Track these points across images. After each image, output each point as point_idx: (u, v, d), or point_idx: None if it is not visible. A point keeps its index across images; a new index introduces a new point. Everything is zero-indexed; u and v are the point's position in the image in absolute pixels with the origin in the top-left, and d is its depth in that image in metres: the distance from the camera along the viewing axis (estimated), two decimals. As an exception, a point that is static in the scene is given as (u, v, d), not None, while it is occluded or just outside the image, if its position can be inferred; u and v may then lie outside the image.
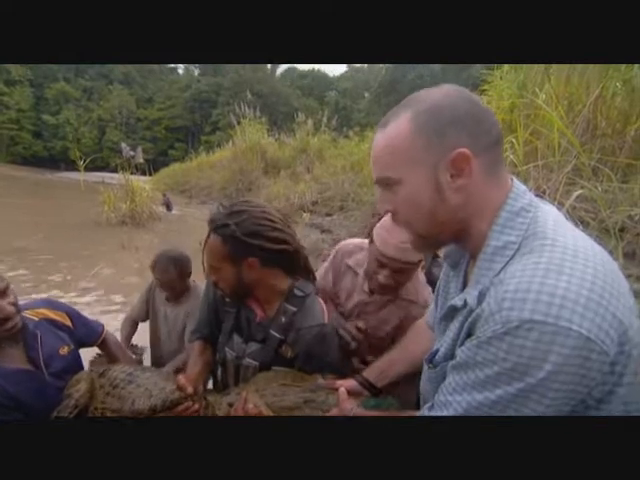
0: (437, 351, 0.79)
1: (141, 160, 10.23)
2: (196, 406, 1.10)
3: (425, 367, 0.85)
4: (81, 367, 1.36)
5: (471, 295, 0.68)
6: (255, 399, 1.09)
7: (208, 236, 1.09)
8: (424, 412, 0.75)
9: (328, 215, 7.14)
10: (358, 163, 8.21)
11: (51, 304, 1.38)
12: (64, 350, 1.29)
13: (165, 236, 7.74)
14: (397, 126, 0.67)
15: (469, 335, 0.67)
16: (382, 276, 1.29)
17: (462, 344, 0.69)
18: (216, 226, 1.07)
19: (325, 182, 8.65)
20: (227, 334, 1.22)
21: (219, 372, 1.27)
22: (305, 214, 7.25)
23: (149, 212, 10.12)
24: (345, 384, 1.10)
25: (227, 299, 1.23)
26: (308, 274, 1.23)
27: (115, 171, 10.84)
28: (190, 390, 1.09)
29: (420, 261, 1.31)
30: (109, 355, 1.52)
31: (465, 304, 0.70)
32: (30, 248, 5.69)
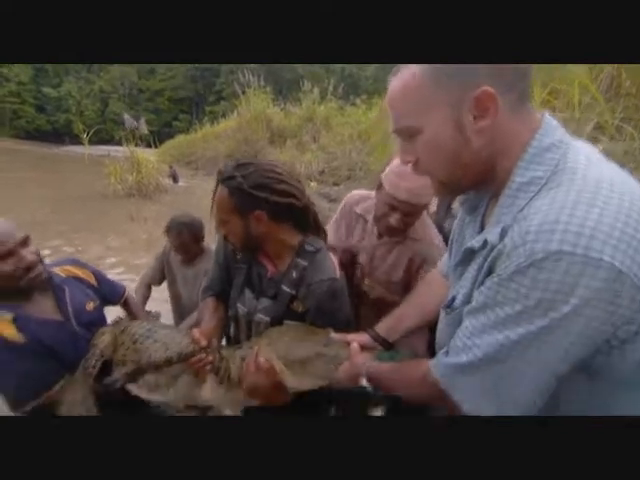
0: (455, 297, 0.77)
1: (145, 131, 10.13)
2: (210, 358, 1.11)
3: (442, 314, 0.83)
4: (106, 323, 1.41)
5: (492, 233, 0.64)
6: (267, 352, 1.09)
7: (216, 188, 1.08)
8: (439, 358, 0.72)
9: (335, 184, 7.07)
10: (365, 132, 8.05)
11: (77, 263, 1.43)
12: (90, 305, 1.34)
13: (172, 208, 7.73)
14: (410, 70, 0.64)
15: (489, 275, 0.64)
16: (393, 219, 1.31)
17: (480, 285, 0.66)
18: (223, 178, 1.07)
19: (332, 151, 8.52)
20: (238, 290, 1.22)
21: (231, 328, 1.27)
22: (312, 183, 7.18)
23: (155, 184, 10.11)
24: (357, 338, 1.09)
25: (238, 256, 1.22)
26: (318, 230, 1.21)
27: (120, 144, 10.78)
28: (204, 343, 1.10)
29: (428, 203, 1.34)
30: (131, 314, 1.58)
31: (484, 245, 0.67)
32: (38, 221, 5.73)
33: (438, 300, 1.05)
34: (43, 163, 14.84)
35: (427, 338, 1.39)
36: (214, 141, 16.09)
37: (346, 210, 1.57)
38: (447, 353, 0.71)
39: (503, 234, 0.62)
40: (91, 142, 10.34)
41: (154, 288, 2.30)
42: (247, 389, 1.07)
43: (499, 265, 0.61)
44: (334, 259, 1.20)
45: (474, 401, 0.65)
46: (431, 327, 1.24)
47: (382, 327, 1.14)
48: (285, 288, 1.13)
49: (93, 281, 1.42)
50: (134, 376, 1.12)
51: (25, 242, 1.15)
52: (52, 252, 4.37)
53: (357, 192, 1.64)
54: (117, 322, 1.34)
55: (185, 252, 2.13)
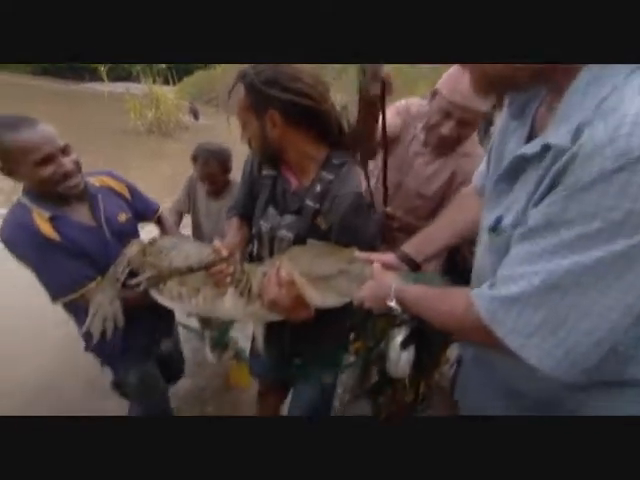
0: (501, 217, 0.67)
1: (162, 65, 9.78)
2: (230, 269, 1.10)
3: (485, 237, 0.74)
4: (138, 236, 1.45)
5: (558, 134, 0.53)
6: (289, 267, 1.07)
7: (232, 88, 1.05)
8: (483, 290, 0.63)
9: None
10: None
11: (113, 175, 1.45)
12: (122, 217, 1.37)
13: (194, 146, 7.62)
14: None
15: (552, 188, 0.54)
16: (446, 128, 1.25)
17: (540, 202, 0.55)
18: (239, 75, 1.03)
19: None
20: (262, 207, 1.19)
21: (254, 247, 1.25)
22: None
23: (175, 121, 9.95)
24: (382, 258, 1.05)
25: (263, 171, 1.18)
26: (345, 145, 1.13)
27: (137, 81, 10.49)
28: (225, 253, 1.09)
29: (486, 113, 1.26)
30: (164, 233, 1.61)
31: (544, 151, 0.56)
32: None
33: (471, 219, 0.98)
34: (62, 99, 14.69)
35: (442, 261, 1.37)
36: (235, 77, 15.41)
37: (401, 109, 1.51)
38: (493, 285, 0.62)
39: (578, 134, 0.50)
40: (110, 79, 10.09)
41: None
42: (268, 303, 1.07)
43: (570, 174, 0.50)
44: (360, 173, 1.13)
45: (524, 339, 0.56)
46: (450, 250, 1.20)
47: (410, 246, 1.08)
48: (309, 202, 1.08)
49: (127, 194, 1.45)
50: (156, 281, 1.14)
51: (66, 150, 1.18)
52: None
53: (410, 100, 1.58)
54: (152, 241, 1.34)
55: (211, 182, 2.09)
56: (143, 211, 1.53)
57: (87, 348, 1.41)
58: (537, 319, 0.54)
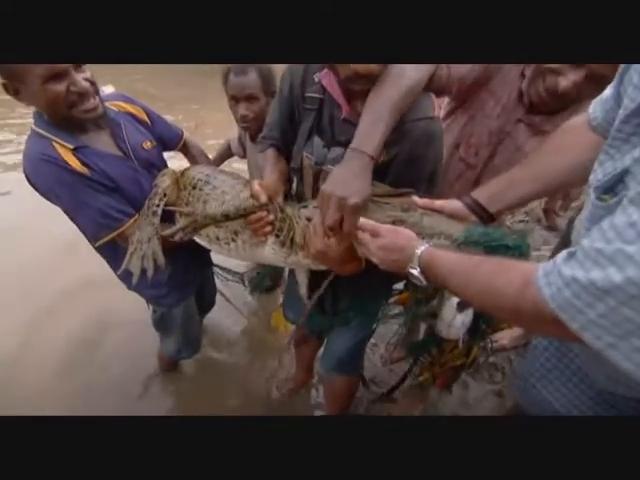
0: (623, 172, 0.49)
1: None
2: (271, 217, 1.00)
3: (591, 197, 0.55)
4: (166, 166, 1.35)
5: None
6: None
7: None
8: (557, 262, 0.50)
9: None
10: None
11: (127, 98, 1.32)
12: (147, 145, 1.27)
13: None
14: None
15: None
16: (566, 80, 0.89)
17: None
18: None
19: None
20: (305, 136, 1.02)
21: (295, 183, 1.11)
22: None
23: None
24: (447, 205, 0.88)
25: (307, 94, 1.00)
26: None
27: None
28: (264, 199, 0.97)
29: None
30: (192, 161, 1.49)
31: None
32: (135, 92, 5.76)
33: (573, 163, 0.75)
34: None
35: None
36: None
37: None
38: (572, 255, 0.47)
39: None
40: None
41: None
42: (315, 254, 0.97)
43: None
44: (433, 97, 0.94)
45: (612, 337, 0.44)
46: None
47: (483, 192, 0.88)
48: None
49: (145, 118, 1.32)
50: (190, 230, 1.06)
51: (79, 66, 1.05)
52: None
53: None
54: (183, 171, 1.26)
55: (246, 119, 1.50)
56: (167, 138, 1.39)
57: (129, 287, 1.38)
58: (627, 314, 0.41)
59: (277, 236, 1.03)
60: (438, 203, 0.89)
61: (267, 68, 1.47)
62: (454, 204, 0.90)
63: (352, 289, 1.16)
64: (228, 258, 1.22)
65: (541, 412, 0.78)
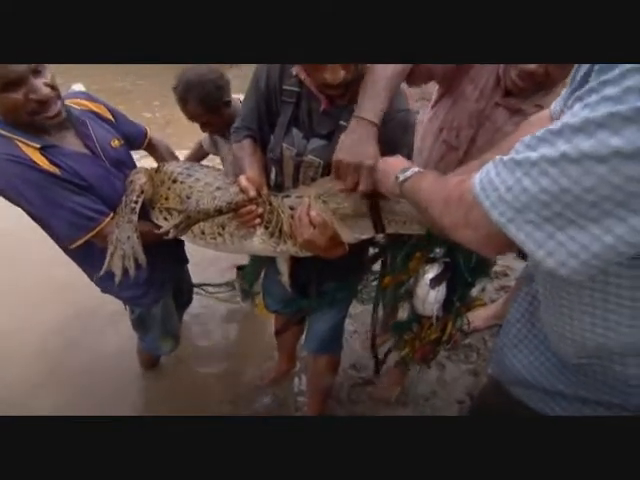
0: None
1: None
2: (260, 210, 1.02)
3: None
4: (135, 166, 1.30)
5: None
6: (318, 206, 1.00)
7: None
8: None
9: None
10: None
11: (89, 96, 1.27)
12: (115, 143, 1.23)
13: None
14: None
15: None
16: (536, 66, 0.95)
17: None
18: None
19: None
20: (284, 128, 1.05)
21: (272, 173, 1.13)
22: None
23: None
24: None
25: (285, 87, 1.03)
26: None
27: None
28: (253, 193, 1.00)
29: None
30: (159, 159, 1.43)
31: None
32: (120, 91, 5.55)
33: None
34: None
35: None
36: None
37: None
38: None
39: None
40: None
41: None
42: (303, 243, 1.02)
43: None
44: (405, 89, 1.00)
45: (514, 213, 0.47)
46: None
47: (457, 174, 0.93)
48: (345, 124, 0.95)
49: (110, 117, 1.27)
50: (185, 227, 1.04)
51: (38, 70, 0.98)
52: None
53: None
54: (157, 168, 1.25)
55: (205, 124, 1.49)
56: (132, 136, 1.33)
57: (104, 290, 1.35)
58: (535, 191, 0.44)
59: (266, 227, 1.06)
60: None
61: (211, 84, 1.37)
62: None
63: (337, 272, 1.21)
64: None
65: (511, 380, 0.83)
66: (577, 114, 0.42)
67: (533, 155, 0.44)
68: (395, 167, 0.83)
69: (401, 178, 0.78)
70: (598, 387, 0.68)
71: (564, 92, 0.74)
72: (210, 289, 1.88)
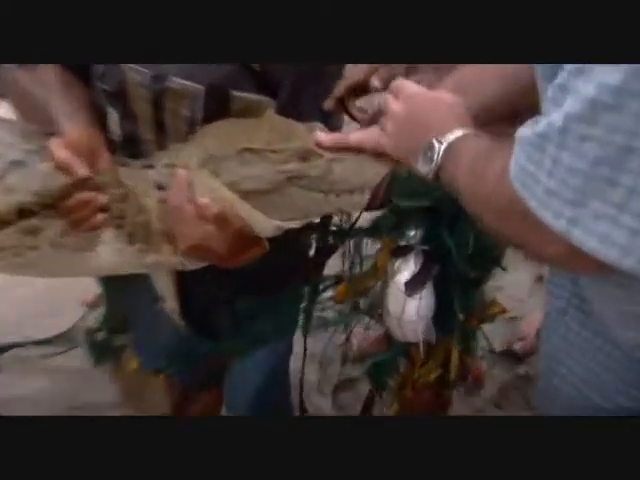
0: None
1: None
2: (102, 197, 0.60)
3: None
4: None
5: None
6: (206, 180, 0.62)
7: None
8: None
9: None
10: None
11: None
12: None
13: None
14: None
15: None
16: None
17: None
18: None
19: None
20: None
21: (113, 122, 0.68)
22: None
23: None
24: (369, 137, 0.57)
25: None
26: None
27: None
28: (82, 170, 0.57)
29: None
30: None
31: None
32: None
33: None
34: None
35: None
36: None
37: None
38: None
39: None
40: None
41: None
42: (189, 248, 0.62)
43: None
44: None
45: (567, 212, 0.32)
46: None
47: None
48: None
49: None
50: None
51: None
52: None
53: None
54: None
55: None
56: None
57: None
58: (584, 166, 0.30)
59: (119, 226, 0.65)
60: (354, 137, 0.60)
61: None
62: (374, 132, 0.58)
63: (257, 286, 0.76)
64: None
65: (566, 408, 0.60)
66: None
67: (556, 118, 0.32)
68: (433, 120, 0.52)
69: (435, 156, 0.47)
70: None
71: None
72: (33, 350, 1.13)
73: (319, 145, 0.61)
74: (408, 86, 0.53)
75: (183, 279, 0.76)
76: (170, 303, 0.78)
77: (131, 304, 0.88)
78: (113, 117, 0.68)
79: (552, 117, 0.32)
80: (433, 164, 0.46)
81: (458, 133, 0.46)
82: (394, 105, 0.52)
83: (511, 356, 1.22)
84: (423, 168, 0.48)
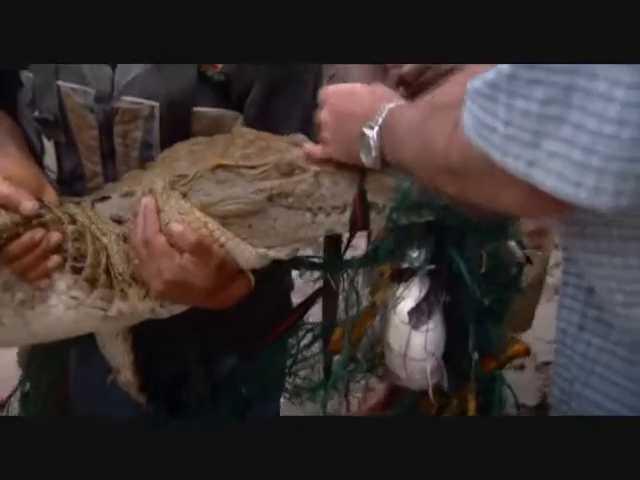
0: None
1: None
2: (55, 236, 0.53)
3: None
4: None
5: None
6: (176, 205, 0.56)
7: None
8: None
9: None
10: None
11: None
12: None
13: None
14: None
15: None
16: None
17: None
18: None
19: None
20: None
21: (49, 155, 0.61)
22: None
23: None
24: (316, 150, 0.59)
25: None
26: None
27: None
28: (30, 206, 0.51)
29: None
30: None
31: None
32: None
33: None
34: None
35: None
36: None
37: None
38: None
39: None
40: None
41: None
42: (161, 291, 0.54)
43: None
44: None
45: (526, 154, 0.33)
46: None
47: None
48: None
49: None
50: None
51: None
52: None
53: None
54: None
55: None
56: None
57: None
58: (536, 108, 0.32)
59: (75, 270, 0.55)
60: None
61: None
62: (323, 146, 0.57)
63: (241, 333, 0.65)
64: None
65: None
66: None
67: (503, 66, 0.34)
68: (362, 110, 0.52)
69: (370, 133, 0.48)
70: None
71: None
72: None
73: (309, 157, 0.56)
74: (327, 92, 0.55)
75: (145, 343, 0.63)
76: (124, 375, 0.65)
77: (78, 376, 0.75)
78: (49, 151, 0.61)
79: (499, 66, 0.33)
80: (373, 151, 0.47)
81: (385, 110, 0.47)
82: (321, 115, 0.53)
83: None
84: (367, 159, 0.48)
